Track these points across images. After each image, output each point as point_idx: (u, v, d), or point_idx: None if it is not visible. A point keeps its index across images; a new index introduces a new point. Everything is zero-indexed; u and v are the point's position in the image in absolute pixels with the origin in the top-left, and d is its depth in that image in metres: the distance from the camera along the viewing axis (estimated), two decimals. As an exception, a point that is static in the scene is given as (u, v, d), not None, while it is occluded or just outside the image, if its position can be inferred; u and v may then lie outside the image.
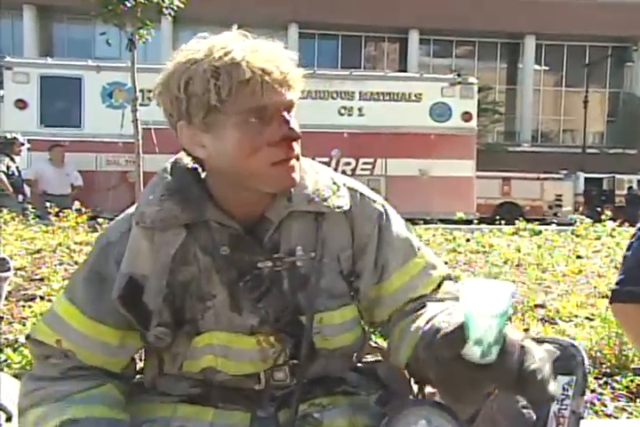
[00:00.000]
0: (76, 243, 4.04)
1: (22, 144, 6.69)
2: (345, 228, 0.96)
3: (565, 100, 21.93)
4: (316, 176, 0.96)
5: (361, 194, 0.99)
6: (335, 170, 1.02)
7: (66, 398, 0.89)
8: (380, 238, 0.97)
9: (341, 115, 9.07)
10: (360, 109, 9.14)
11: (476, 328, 0.73)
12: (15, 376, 1.58)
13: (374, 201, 1.00)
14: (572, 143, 21.51)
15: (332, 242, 0.94)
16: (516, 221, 6.30)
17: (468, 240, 5.17)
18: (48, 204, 5.08)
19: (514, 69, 21.99)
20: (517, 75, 21.80)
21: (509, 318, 0.78)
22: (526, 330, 2.42)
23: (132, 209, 0.96)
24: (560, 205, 13.30)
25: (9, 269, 1.20)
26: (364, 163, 9.19)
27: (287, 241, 0.93)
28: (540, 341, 1.22)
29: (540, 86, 21.64)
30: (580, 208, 11.59)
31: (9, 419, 1.19)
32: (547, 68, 21.70)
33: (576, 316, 2.63)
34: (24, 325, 2.28)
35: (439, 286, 0.98)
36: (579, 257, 4.31)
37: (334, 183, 0.97)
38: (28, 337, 0.96)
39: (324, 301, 0.93)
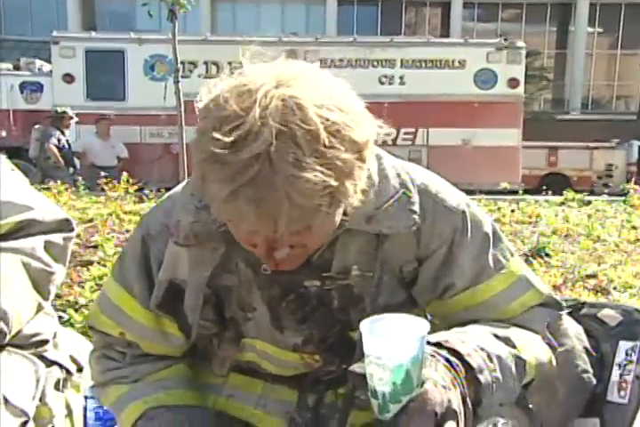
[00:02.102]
0: (125, 212, 4.17)
1: (71, 118, 6.88)
2: (411, 242, 0.85)
3: (620, 63, 20.67)
4: (380, 186, 0.80)
5: (437, 202, 0.84)
6: (375, 141, 0.90)
7: (143, 378, 0.91)
8: (447, 257, 0.85)
9: (382, 83, 8.87)
10: (401, 78, 8.91)
11: (370, 377, 0.66)
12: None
13: (452, 210, 0.85)
14: (626, 110, 20.38)
15: (394, 258, 0.85)
16: (564, 192, 6.07)
17: (512, 211, 5.03)
18: (102, 173, 5.25)
19: (564, 33, 20.81)
20: (568, 38, 20.65)
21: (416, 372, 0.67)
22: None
23: (174, 191, 0.90)
24: (611, 175, 12.72)
25: (72, 230, 1.24)
26: (406, 133, 9.00)
27: (342, 259, 0.84)
28: (601, 306, 1.19)
29: (593, 50, 20.44)
30: (634, 178, 11.07)
31: (80, 370, 1.27)
32: (601, 29, 20.42)
33: (631, 286, 2.55)
34: (83, 287, 2.42)
35: (524, 312, 0.87)
36: (634, 228, 4.14)
37: (404, 192, 0.82)
38: (91, 327, 0.97)
39: (379, 314, 0.88)
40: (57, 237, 1.19)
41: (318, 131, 0.62)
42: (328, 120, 0.63)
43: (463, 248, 0.85)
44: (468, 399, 0.73)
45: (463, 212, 0.86)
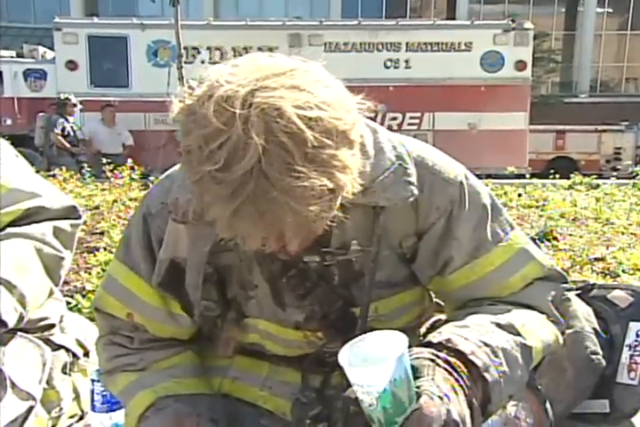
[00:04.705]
0: (130, 199, 4.17)
1: (75, 105, 6.87)
2: (409, 215, 0.84)
3: (630, 44, 20.31)
4: (376, 158, 0.80)
5: (434, 174, 0.83)
6: (380, 125, 0.86)
7: (152, 366, 0.90)
8: (445, 230, 0.84)
9: (387, 67, 8.78)
10: (407, 61, 8.81)
11: (361, 404, 0.66)
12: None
13: (450, 182, 0.84)
14: (636, 92, 20.10)
15: (393, 232, 0.84)
16: (571, 176, 6.02)
17: (520, 195, 5.00)
18: (104, 160, 5.26)
19: (573, 14, 20.42)
20: (577, 19, 20.28)
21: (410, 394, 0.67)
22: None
23: (173, 170, 0.90)
24: (619, 159, 12.58)
25: (80, 217, 1.24)
26: (411, 117, 8.94)
27: (340, 234, 0.83)
28: (611, 287, 1.18)
29: (602, 31, 20.08)
30: (642, 161, 10.97)
31: (86, 354, 1.27)
32: (610, 10, 20.05)
33: (639, 269, 2.53)
34: (90, 273, 2.44)
35: (527, 285, 0.85)
36: (642, 210, 4.10)
37: (400, 164, 0.81)
38: (97, 309, 0.95)
39: (381, 291, 0.87)
40: (65, 224, 1.19)
41: (304, 133, 0.61)
42: (311, 119, 0.62)
43: (461, 220, 0.84)
44: (474, 400, 0.71)
45: (461, 183, 0.85)
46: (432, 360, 0.72)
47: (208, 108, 0.62)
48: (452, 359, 0.72)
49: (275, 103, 0.61)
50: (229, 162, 0.60)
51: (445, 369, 0.71)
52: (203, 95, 0.64)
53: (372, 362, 0.66)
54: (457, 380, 0.71)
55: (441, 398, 0.67)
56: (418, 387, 0.68)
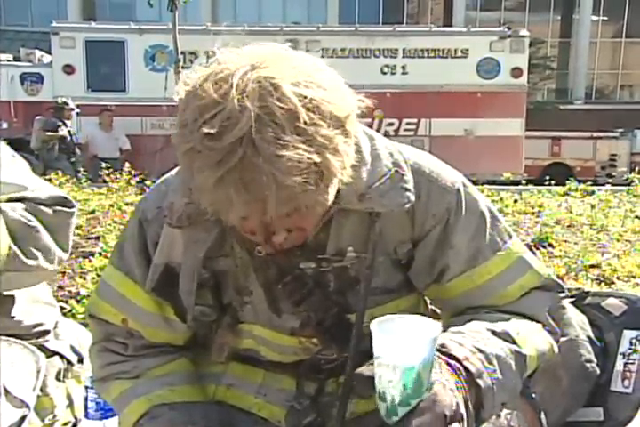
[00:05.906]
0: (126, 204, 4.17)
1: (72, 109, 6.87)
2: (405, 222, 0.84)
3: (625, 52, 20.47)
4: (372, 165, 0.80)
5: (431, 181, 0.83)
6: (377, 132, 0.86)
7: (146, 373, 0.90)
8: (442, 238, 0.84)
9: (384, 73, 8.83)
10: (404, 67, 8.86)
11: (378, 379, 0.65)
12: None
13: (447, 189, 0.84)
14: (631, 99, 20.25)
15: (389, 238, 0.84)
16: (567, 182, 6.04)
17: (515, 201, 5.02)
18: (103, 164, 5.26)
19: (568, 21, 20.60)
20: (572, 26, 20.45)
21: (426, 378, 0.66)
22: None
23: (169, 175, 0.90)
24: (614, 166, 12.66)
25: (72, 206, 1.22)
26: (408, 123, 8.98)
27: (336, 240, 0.83)
28: (605, 295, 1.18)
29: (597, 38, 20.24)
30: (637, 168, 11.02)
31: (81, 360, 1.27)
32: (605, 17, 20.23)
33: (634, 276, 2.54)
34: (84, 279, 2.42)
35: (524, 295, 0.85)
36: (637, 217, 4.12)
37: (397, 171, 0.81)
38: (91, 316, 0.95)
39: (376, 297, 0.87)
40: (46, 208, 1.15)
41: (297, 109, 0.62)
42: (306, 97, 0.64)
43: (458, 229, 0.84)
44: (469, 404, 0.72)
45: (458, 191, 0.85)
46: (434, 359, 0.72)
47: (207, 83, 0.65)
48: (452, 361, 0.73)
49: (272, 77, 0.63)
50: (221, 130, 0.62)
51: (447, 370, 0.72)
52: (205, 74, 0.67)
53: (406, 338, 0.65)
54: (457, 382, 0.72)
55: (452, 390, 0.69)
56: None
